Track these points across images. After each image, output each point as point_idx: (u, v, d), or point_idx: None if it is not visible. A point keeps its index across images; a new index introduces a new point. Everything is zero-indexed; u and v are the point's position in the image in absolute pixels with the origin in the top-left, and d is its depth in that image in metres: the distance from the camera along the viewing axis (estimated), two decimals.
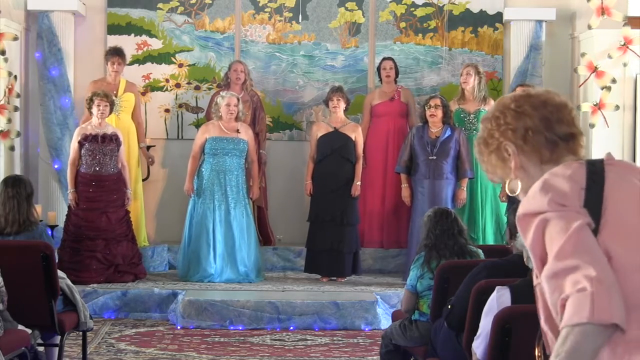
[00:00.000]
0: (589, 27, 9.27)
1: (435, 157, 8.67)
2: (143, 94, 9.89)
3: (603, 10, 9.11)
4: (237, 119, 8.85)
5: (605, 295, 2.14)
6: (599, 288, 2.13)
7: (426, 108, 8.76)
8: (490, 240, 8.98)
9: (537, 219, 2.30)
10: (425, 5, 10.13)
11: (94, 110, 8.58)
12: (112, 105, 8.71)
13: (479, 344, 4.03)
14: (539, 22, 9.81)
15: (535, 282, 2.44)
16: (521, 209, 2.35)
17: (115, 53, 9.37)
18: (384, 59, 9.67)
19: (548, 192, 2.30)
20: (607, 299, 2.13)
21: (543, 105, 2.44)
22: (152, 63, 10.09)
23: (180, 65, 10.09)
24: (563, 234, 2.25)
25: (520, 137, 2.43)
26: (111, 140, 8.63)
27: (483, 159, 2.53)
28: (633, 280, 2.22)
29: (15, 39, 9.36)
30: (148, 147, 9.65)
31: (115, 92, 9.25)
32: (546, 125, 2.43)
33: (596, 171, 2.35)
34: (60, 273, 5.76)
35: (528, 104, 2.45)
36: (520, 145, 2.43)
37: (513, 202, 8.41)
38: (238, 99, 8.86)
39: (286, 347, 7.20)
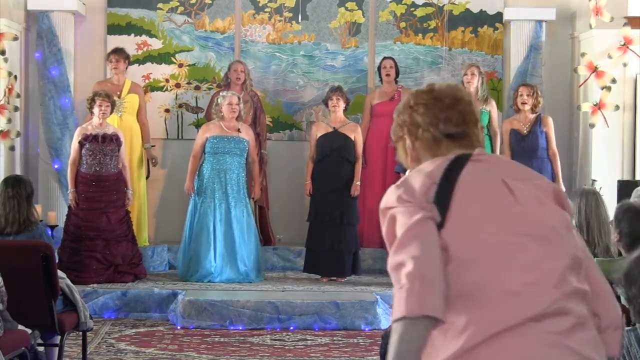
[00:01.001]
0: (590, 27, 9.26)
1: None
2: (144, 93, 9.89)
3: (597, 11, 9.11)
4: (238, 118, 8.85)
5: (419, 291, 2.30)
6: (415, 284, 2.31)
7: None
8: None
9: (388, 214, 2.47)
10: (425, 5, 10.13)
11: (95, 110, 8.58)
12: (113, 106, 8.71)
13: None
14: (539, 22, 9.82)
15: None
16: (380, 203, 2.52)
17: (114, 51, 9.39)
18: (384, 58, 9.67)
19: (400, 188, 2.49)
20: (420, 294, 2.30)
21: (435, 103, 2.59)
22: (152, 63, 10.09)
23: (180, 65, 10.09)
24: (402, 229, 2.42)
25: (414, 133, 2.61)
26: (112, 141, 8.63)
27: (397, 148, 2.72)
28: (466, 271, 2.38)
29: (15, 39, 9.36)
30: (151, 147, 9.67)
31: (119, 92, 9.25)
32: (434, 124, 2.58)
33: (454, 167, 2.50)
34: (60, 273, 5.76)
35: (422, 102, 2.61)
36: (413, 140, 2.62)
37: None
38: (239, 98, 8.87)
39: (286, 347, 7.20)
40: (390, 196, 2.50)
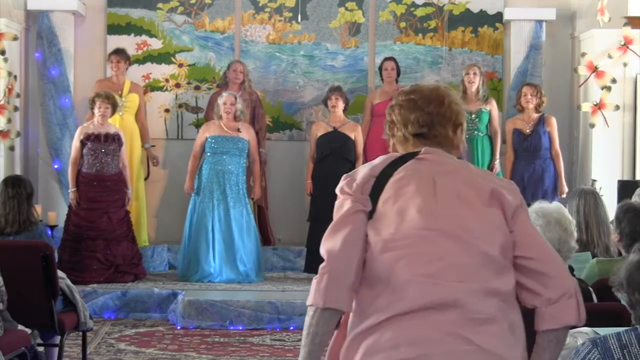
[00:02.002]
0: (599, 25, 9.20)
1: None
2: (143, 93, 9.89)
3: (603, 10, 9.11)
4: (236, 118, 8.84)
5: (325, 285, 2.64)
6: (324, 278, 2.65)
7: None
8: None
9: (337, 202, 2.78)
10: (425, 5, 10.12)
11: (95, 111, 8.58)
12: (114, 106, 8.70)
13: None
14: (539, 22, 9.81)
15: None
16: None
17: (114, 52, 9.39)
18: (386, 59, 9.66)
19: (344, 180, 2.79)
20: (325, 288, 2.64)
21: (408, 104, 2.82)
22: (152, 63, 10.08)
23: (180, 65, 10.09)
24: (334, 219, 2.74)
25: (392, 131, 2.87)
26: (113, 140, 8.63)
27: None
28: (378, 259, 2.66)
29: (15, 39, 9.36)
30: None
31: (120, 92, 9.25)
32: (405, 124, 2.82)
33: (395, 163, 2.76)
34: (60, 273, 5.76)
35: (399, 102, 2.85)
36: (392, 138, 2.88)
37: None
38: (235, 98, 8.84)
39: (286, 347, 7.20)
40: (339, 186, 2.78)
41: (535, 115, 9.01)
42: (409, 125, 2.81)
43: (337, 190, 2.78)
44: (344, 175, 2.81)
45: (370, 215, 2.71)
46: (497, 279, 2.65)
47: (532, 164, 8.95)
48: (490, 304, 2.62)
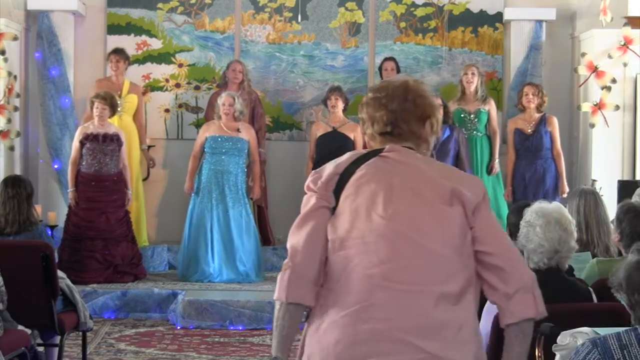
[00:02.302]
0: (602, 24, 9.19)
1: (435, 157, 8.64)
2: (143, 94, 9.89)
3: (605, 10, 9.10)
4: (235, 119, 8.84)
5: (287, 281, 2.76)
6: (286, 273, 2.77)
7: None
8: None
9: (304, 199, 2.87)
10: (425, 5, 10.12)
11: (94, 112, 8.58)
12: (113, 106, 8.67)
13: None
14: (539, 22, 9.81)
15: None
16: None
17: (114, 51, 9.39)
18: (386, 59, 9.66)
19: (311, 177, 2.87)
20: (287, 284, 2.76)
21: (372, 103, 2.89)
22: (152, 63, 10.08)
23: (180, 65, 10.09)
24: (300, 215, 2.84)
25: (363, 128, 2.95)
26: (112, 140, 8.62)
27: None
28: (332, 256, 2.75)
29: (15, 39, 9.36)
30: (148, 148, 9.66)
31: (119, 92, 9.25)
32: (370, 123, 2.90)
33: (359, 160, 2.83)
34: (60, 273, 5.76)
35: (366, 100, 2.92)
36: (364, 134, 2.96)
37: (515, 201, 8.43)
38: (234, 99, 8.83)
39: None
40: (305, 183, 2.89)
41: (537, 115, 9.00)
42: (375, 123, 2.88)
43: (305, 187, 2.87)
44: (312, 172, 2.91)
45: (333, 211, 2.80)
46: (447, 281, 2.70)
47: (534, 164, 8.95)
48: (439, 308, 2.67)
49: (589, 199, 5.10)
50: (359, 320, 2.68)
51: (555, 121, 9.03)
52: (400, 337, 2.65)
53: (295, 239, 2.82)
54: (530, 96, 8.95)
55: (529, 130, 8.98)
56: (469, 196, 2.75)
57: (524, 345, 2.77)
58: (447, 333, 2.67)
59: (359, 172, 2.80)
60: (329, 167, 2.86)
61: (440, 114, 2.96)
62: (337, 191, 2.81)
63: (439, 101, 8.73)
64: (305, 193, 2.88)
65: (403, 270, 2.69)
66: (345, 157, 2.87)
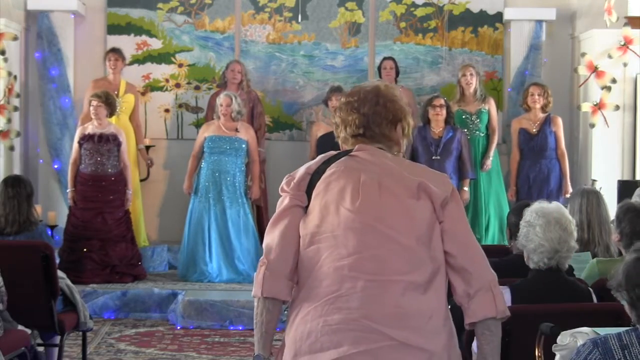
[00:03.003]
0: (606, 25, 9.19)
1: (439, 158, 8.65)
2: (143, 94, 9.90)
3: (610, 10, 9.10)
4: (233, 119, 8.83)
5: (262, 277, 2.88)
6: (261, 270, 2.88)
7: (430, 108, 8.75)
8: (494, 240, 8.97)
9: (278, 201, 2.97)
10: (425, 5, 10.12)
11: (91, 110, 8.58)
12: (110, 105, 8.64)
13: None
14: (539, 22, 9.82)
15: None
16: None
17: (112, 50, 9.39)
18: (385, 58, 9.66)
19: (286, 179, 2.98)
20: (262, 280, 2.87)
21: (345, 107, 2.99)
22: (152, 63, 10.08)
23: (180, 65, 10.09)
24: (274, 215, 2.95)
25: (337, 131, 3.06)
26: (108, 141, 8.60)
27: None
28: (303, 252, 2.87)
29: (15, 39, 9.36)
30: (147, 148, 9.65)
31: (116, 92, 9.24)
32: (343, 126, 3.01)
33: (329, 161, 2.95)
34: (60, 273, 5.75)
35: (339, 105, 3.03)
36: (337, 137, 3.07)
37: (518, 201, 8.43)
38: (232, 99, 8.82)
39: None
40: (280, 186, 2.99)
41: (542, 115, 8.98)
42: (347, 127, 2.99)
43: (279, 190, 2.98)
44: (286, 175, 3.00)
45: (305, 210, 2.91)
46: (413, 271, 2.79)
47: (538, 164, 8.93)
48: (406, 297, 2.76)
49: (592, 199, 5.11)
50: (329, 311, 2.78)
51: (560, 121, 9.01)
52: (369, 326, 2.74)
53: (269, 237, 2.94)
54: (536, 96, 8.92)
55: (534, 130, 8.96)
56: (436, 190, 2.85)
57: (492, 344, 2.85)
58: (416, 322, 2.75)
59: (329, 171, 2.92)
60: (301, 169, 2.98)
61: (411, 119, 3.03)
62: (309, 190, 2.92)
63: (440, 102, 8.74)
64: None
65: (371, 261, 2.78)
66: (317, 159, 2.99)
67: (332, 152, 3.00)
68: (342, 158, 2.95)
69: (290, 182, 2.96)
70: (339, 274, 2.80)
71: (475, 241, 2.92)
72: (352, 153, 2.95)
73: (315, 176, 2.94)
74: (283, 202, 2.95)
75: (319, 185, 2.91)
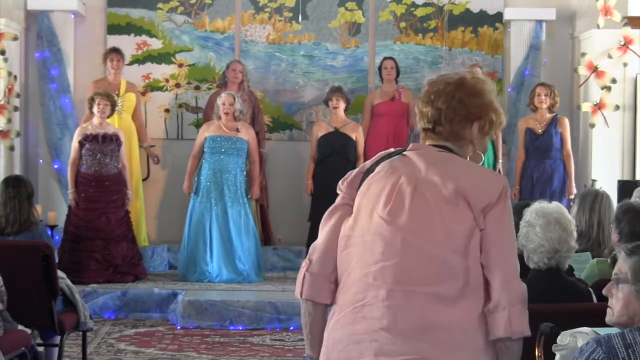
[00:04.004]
0: (598, 27, 9.23)
1: None
2: (143, 94, 9.90)
3: (607, 10, 9.10)
4: (235, 118, 8.84)
5: (303, 278, 2.82)
6: (302, 270, 2.82)
7: None
8: None
9: None
10: (425, 5, 10.13)
11: (95, 109, 8.58)
12: (113, 105, 8.68)
13: None
14: (539, 22, 9.82)
15: None
16: None
17: (113, 50, 9.40)
18: (385, 58, 9.66)
19: (342, 179, 2.91)
20: (302, 281, 2.82)
21: (423, 98, 2.84)
22: (152, 63, 10.09)
23: (180, 65, 10.09)
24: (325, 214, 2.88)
25: (416, 119, 2.93)
26: (111, 140, 8.62)
27: None
28: (341, 255, 2.79)
29: (15, 39, 9.36)
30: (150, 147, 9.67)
31: (116, 92, 9.24)
32: (419, 117, 2.86)
33: (383, 158, 2.84)
34: (60, 273, 5.75)
35: (420, 96, 2.87)
36: (416, 126, 3.00)
37: (521, 200, 8.43)
38: (234, 98, 8.82)
39: (286, 347, 7.20)
40: None
41: (549, 116, 8.97)
42: (421, 119, 2.85)
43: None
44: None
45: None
46: (442, 282, 2.66)
47: (542, 164, 8.93)
48: (431, 309, 2.64)
49: (604, 201, 5.13)
50: (356, 320, 2.70)
51: (566, 122, 9.00)
52: (388, 338, 2.64)
53: (319, 236, 2.87)
54: (543, 97, 8.92)
55: (540, 130, 8.96)
56: (475, 196, 2.68)
57: (507, 358, 2.74)
58: (440, 335, 2.64)
59: (376, 170, 2.81)
60: (357, 168, 2.90)
61: (497, 116, 2.84)
62: (359, 189, 2.84)
63: None
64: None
65: (394, 270, 2.67)
66: (375, 156, 2.88)
67: (390, 150, 2.89)
68: (394, 157, 2.82)
69: (345, 180, 2.89)
70: (364, 281, 2.71)
71: (510, 253, 2.74)
72: (404, 152, 2.82)
73: (366, 175, 2.83)
74: (336, 201, 2.89)
75: (364, 186, 2.81)
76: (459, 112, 2.78)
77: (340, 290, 2.78)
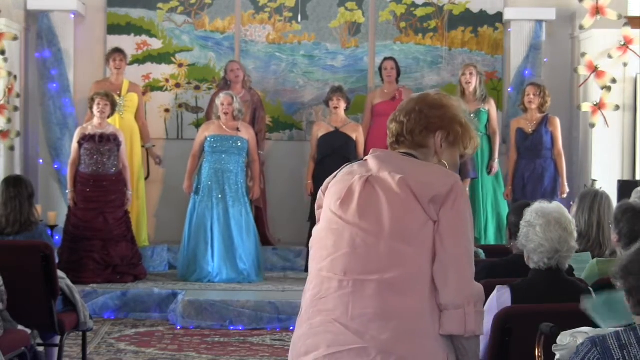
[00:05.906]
0: (581, 27, 9.28)
1: None
2: (143, 93, 9.89)
3: (598, 10, 9.11)
4: (234, 118, 8.84)
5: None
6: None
7: None
8: (491, 240, 8.98)
9: None
10: (425, 5, 10.13)
11: (95, 109, 8.58)
12: (113, 105, 8.68)
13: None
14: (539, 22, 9.82)
15: None
16: None
17: (116, 50, 9.40)
18: (386, 59, 9.66)
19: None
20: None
21: (392, 117, 2.97)
22: (152, 63, 10.09)
23: (180, 65, 10.09)
24: None
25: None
26: (109, 140, 8.61)
27: None
28: (310, 252, 2.92)
29: (15, 39, 9.36)
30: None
31: (118, 92, 9.25)
32: (388, 134, 2.99)
33: (347, 165, 2.95)
34: (60, 273, 5.75)
35: (391, 116, 3.00)
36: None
37: (515, 201, 8.44)
38: (232, 98, 8.83)
39: (286, 347, 7.19)
40: None
41: (539, 115, 8.99)
42: (389, 135, 2.98)
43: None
44: None
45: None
46: (391, 270, 2.72)
47: (533, 163, 8.95)
48: (383, 298, 2.71)
49: (605, 202, 5.13)
50: (313, 313, 2.80)
51: (557, 122, 9.02)
52: (340, 328, 2.72)
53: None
54: (532, 96, 8.94)
55: (530, 130, 8.98)
56: (420, 187, 2.76)
57: (468, 357, 2.78)
58: (392, 323, 2.69)
59: (337, 175, 2.93)
60: (330, 176, 3.01)
61: (462, 128, 2.91)
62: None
63: None
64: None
65: (345, 261, 2.77)
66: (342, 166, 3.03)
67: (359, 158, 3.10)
68: (361, 161, 2.94)
69: (321, 189, 3.01)
70: (319, 276, 2.83)
71: (465, 249, 2.78)
72: (367, 157, 2.93)
73: (331, 181, 2.97)
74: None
75: (327, 191, 2.94)
76: (419, 122, 2.90)
77: (304, 289, 2.92)
